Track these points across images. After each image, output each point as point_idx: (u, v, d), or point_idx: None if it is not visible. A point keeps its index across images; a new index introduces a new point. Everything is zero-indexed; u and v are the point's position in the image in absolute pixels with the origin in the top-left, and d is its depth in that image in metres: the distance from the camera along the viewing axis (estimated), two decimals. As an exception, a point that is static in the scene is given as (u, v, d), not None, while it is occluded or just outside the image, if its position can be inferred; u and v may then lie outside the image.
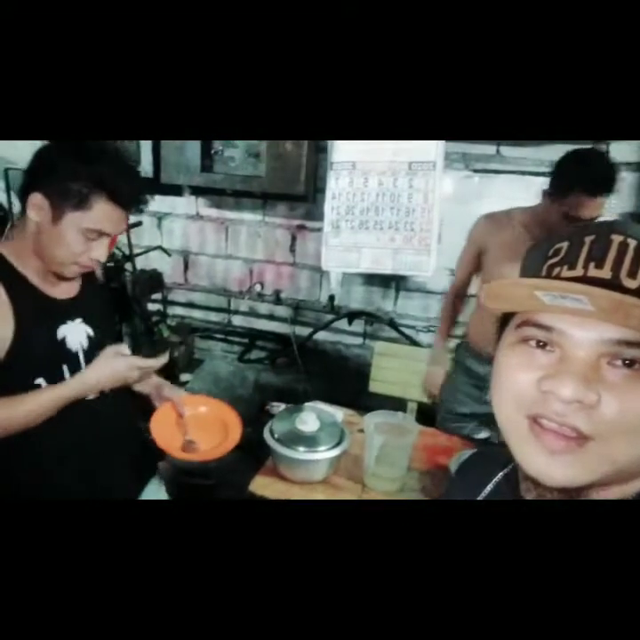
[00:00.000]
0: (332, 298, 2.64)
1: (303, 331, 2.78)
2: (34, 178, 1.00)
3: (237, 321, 2.92)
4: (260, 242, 2.80)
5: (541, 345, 0.46)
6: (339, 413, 1.60)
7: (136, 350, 1.09)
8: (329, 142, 2.43)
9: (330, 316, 2.71)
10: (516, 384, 0.46)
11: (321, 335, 2.76)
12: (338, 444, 1.34)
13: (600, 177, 1.33)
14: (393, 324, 2.62)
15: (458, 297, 1.82)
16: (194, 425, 1.28)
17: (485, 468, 0.60)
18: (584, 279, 0.43)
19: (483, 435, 1.75)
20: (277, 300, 2.79)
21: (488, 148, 2.39)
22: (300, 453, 1.31)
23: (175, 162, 2.53)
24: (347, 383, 2.56)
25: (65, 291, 1.12)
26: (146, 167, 2.61)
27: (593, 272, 0.44)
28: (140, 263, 2.64)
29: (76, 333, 1.11)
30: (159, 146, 2.55)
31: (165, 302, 2.85)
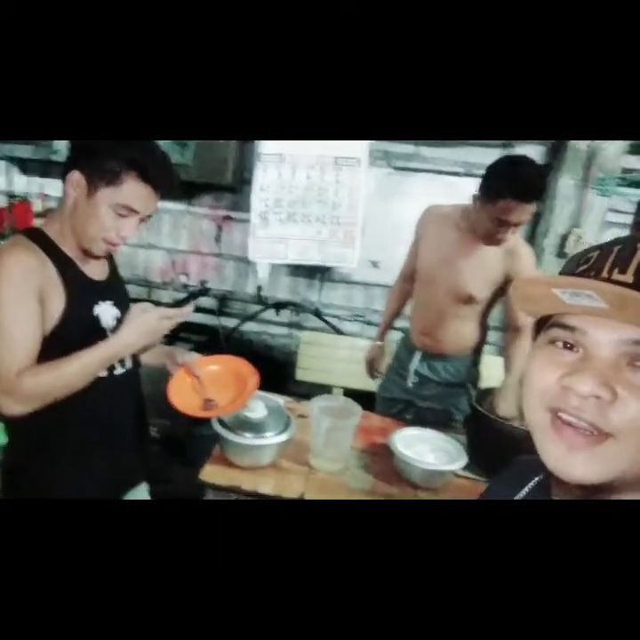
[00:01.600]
0: (259, 288, 2.67)
1: (230, 322, 2.79)
2: (74, 157, 1.07)
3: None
4: (184, 232, 2.76)
5: (568, 346, 0.48)
6: (280, 400, 1.66)
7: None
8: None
9: (257, 307, 2.74)
10: (541, 381, 0.48)
11: (247, 326, 2.78)
12: (285, 429, 1.39)
13: (529, 182, 1.39)
14: (318, 314, 2.71)
15: (402, 284, 1.88)
16: (210, 384, 1.30)
17: (521, 473, 0.61)
18: (608, 282, 0.45)
19: (409, 416, 1.88)
20: (204, 289, 2.77)
21: (408, 148, 2.53)
22: (250, 439, 1.34)
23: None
24: (274, 372, 2.61)
25: (98, 272, 1.18)
26: (63, 152, 2.48)
27: (616, 277, 0.46)
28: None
29: (108, 314, 1.17)
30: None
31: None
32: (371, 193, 2.51)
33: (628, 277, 0.45)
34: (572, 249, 2.34)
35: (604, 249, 0.49)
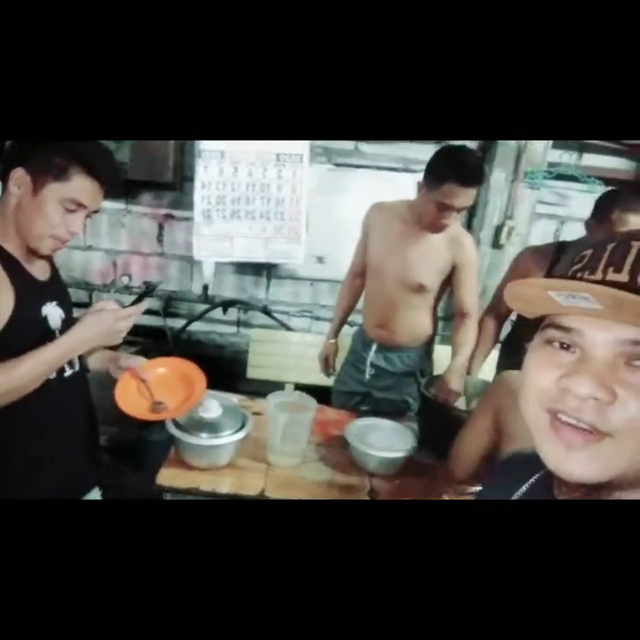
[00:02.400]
0: (205, 287, 2.64)
1: (176, 322, 2.75)
2: (15, 154, 1.05)
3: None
4: (124, 232, 2.69)
5: (564, 346, 0.48)
6: (233, 398, 1.66)
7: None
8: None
9: (203, 307, 2.71)
10: (539, 381, 0.48)
11: (195, 326, 2.75)
12: (241, 427, 1.40)
13: (470, 168, 1.47)
14: (266, 311, 2.71)
15: (352, 280, 1.91)
16: (157, 387, 1.28)
17: (521, 470, 0.62)
18: (602, 282, 0.45)
19: (365, 407, 1.93)
20: (151, 288, 2.71)
21: (347, 144, 2.57)
22: (206, 440, 1.34)
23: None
24: (225, 371, 2.59)
25: (42, 272, 1.14)
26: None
27: (611, 276, 0.45)
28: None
29: (55, 314, 1.14)
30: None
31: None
32: (313, 189, 2.53)
33: (623, 277, 0.45)
34: (505, 240, 2.46)
35: (598, 247, 0.49)
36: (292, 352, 2.50)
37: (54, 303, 1.16)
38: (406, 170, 2.53)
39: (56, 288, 1.21)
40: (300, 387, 2.40)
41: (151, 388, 1.29)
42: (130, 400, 1.25)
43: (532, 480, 0.60)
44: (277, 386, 2.44)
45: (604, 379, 0.44)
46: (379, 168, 2.57)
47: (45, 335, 1.12)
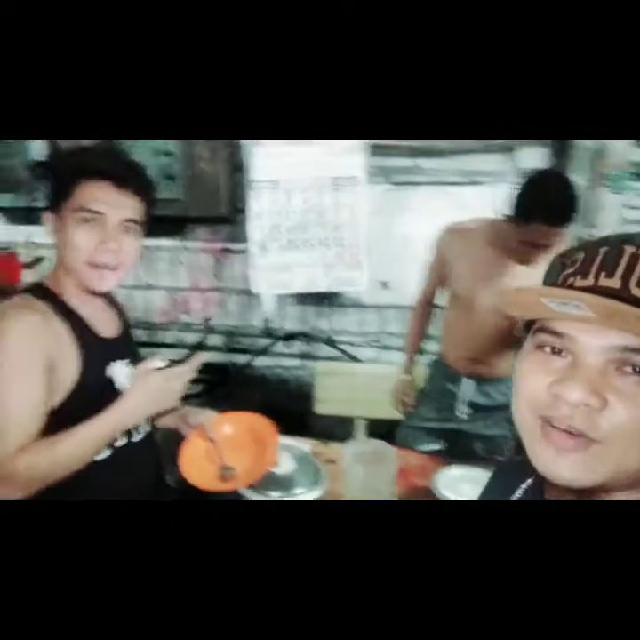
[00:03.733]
0: (266, 321, 2.56)
1: (239, 358, 2.67)
2: (47, 202, 1.02)
3: (166, 354, 2.74)
4: (182, 268, 2.65)
5: (556, 351, 0.48)
6: (305, 446, 1.53)
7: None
8: (247, 160, 2.36)
9: (266, 340, 2.63)
10: (531, 387, 0.49)
11: (258, 361, 2.67)
12: (316, 482, 1.27)
13: (560, 206, 1.29)
14: (331, 342, 2.59)
15: (424, 308, 1.78)
16: (226, 448, 1.18)
17: (514, 475, 0.61)
18: (594, 288, 0.45)
19: (435, 446, 1.76)
20: (208, 329, 2.66)
21: (405, 161, 2.44)
22: (277, 499, 1.22)
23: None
24: (291, 407, 2.49)
25: (109, 328, 1.09)
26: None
27: (603, 282, 0.46)
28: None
29: (122, 374, 1.07)
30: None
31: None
32: (372, 211, 2.41)
33: (615, 282, 0.45)
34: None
35: (590, 250, 0.49)
36: (360, 384, 2.36)
37: (123, 362, 1.08)
38: (472, 183, 2.36)
39: (125, 345, 1.14)
40: (371, 421, 2.27)
41: (220, 449, 1.18)
42: (197, 466, 1.15)
43: (524, 485, 0.60)
44: (347, 421, 2.31)
45: (595, 385, 0.44)
46: (440, 183, 2.41)
47: (111, 398, 1.02)
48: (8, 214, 2.59)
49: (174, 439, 1.22)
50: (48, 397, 0.94)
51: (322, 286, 2.40)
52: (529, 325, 0.52)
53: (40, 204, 2.37)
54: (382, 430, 1.96)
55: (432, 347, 1.88)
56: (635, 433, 0.44)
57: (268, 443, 1.20)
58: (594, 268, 0.47)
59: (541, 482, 0.54)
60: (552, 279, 0.52)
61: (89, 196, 0.97)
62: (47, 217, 1.01)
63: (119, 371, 1.07)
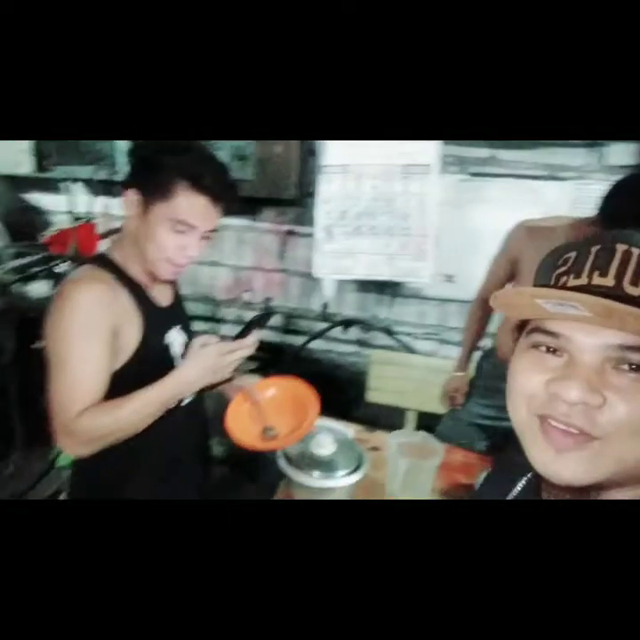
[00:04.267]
0: (325, 305, 2.56)
1: (296, 339, 2.69)
2: (130, 174, 1.03)
3: (225, 330, 2.81)
4: (247, 248, 2.70)
5: (551, 350, 0.48)
6: (349, 431, 1.52)
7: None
8: (319, 144, 2.35)
9: (323, 324, 2.63)
10: (527, 386, 0.49)
11: (314, 344, 2.68)
12: (357, 468, 1.26)
13: None
14: (388, 332, 2.56)
15: (485, 305, 1.70)
16: (269, 410, 1.22)
17: (510, 473, 0.61)
18: (588, 287, 0.46)
19: (481, 444, 1.70)
20: (268, 309, 2.69)
21: (483, 152, 2.35)
22: (317, 480, 1.22)
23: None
24: (342, 393, 2.49)
25: (165, 297, 1.13)
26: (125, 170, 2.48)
27: (597, 280, 0.46)
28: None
29: (177, 341, 1.12)
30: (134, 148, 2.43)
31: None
32: (443, 201, 2.34)
33: (609, 280, 0.45)
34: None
35: (582, 249, 0.49)
36: (415, 376, 2.32)
37: (177, 328, 1.13)
38: (553, 178, 2.24)
39: (179, 313, 1.18)
40: (421, 414, 2.23)
41: (263, 411, 1.22)
42: (240, 425, 1.19)
43: (521, 483, 0.60)
44: (397, 412, 2.28)
45: (592, 383, 0.45)
46: (519, 177, 2.30)
47: (168, 363, 1.07)
48: (88, 186, 2.73)
49: (222, 408, 1.25)
50: (112, 362, 0.99)
51: (384, 275, 2.37)
52: (522, 325, 0.52)
53: (119, 177, 2.48)
54: (433, 424, 1.92)
55: (488, 343, 1.82)
56: (633, 429, 0.44)
57: (310, 409, 1.21)
58: (587, 267, 0.47)
59: (538, 479, 0.54)
60: (544, 278, 0.52)
61: (189, 209, 0.98)
62: (127, 197, 1.01)
63: (174, 338, 1.12)
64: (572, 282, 0.47)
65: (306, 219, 2.53)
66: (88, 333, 0.95)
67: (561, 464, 0.46)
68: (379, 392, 2.37)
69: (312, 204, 2.41)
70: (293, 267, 2.66)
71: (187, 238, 1.01)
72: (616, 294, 0.44)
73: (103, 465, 1.03)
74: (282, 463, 1.26)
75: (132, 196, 1.00)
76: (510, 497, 0.60)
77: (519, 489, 0.60)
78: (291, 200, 2.48)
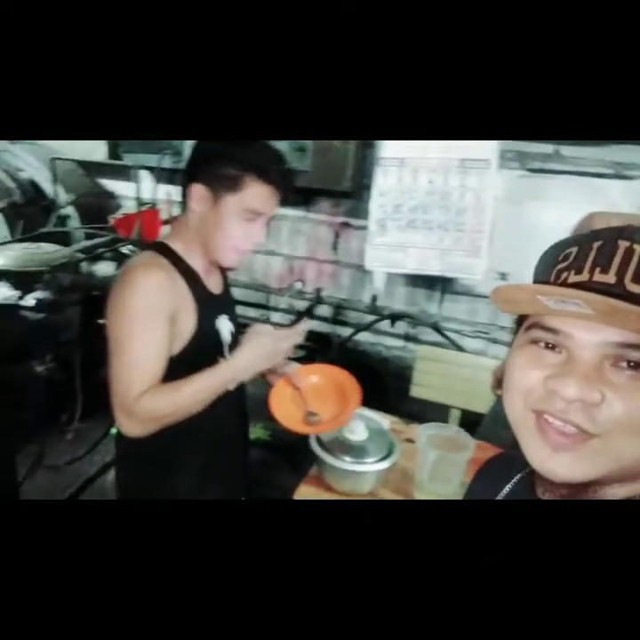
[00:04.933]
0: (374, 298, 2.57)
1: (344, 330, 2.72)
2: (193, 169, 1.07)
3: (276, 318, 2.88)
4: (301, 238, 2.75)
5: (550, 346, 0.48)
6: (385, 421, 1.53)
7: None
8: (377, 137, 2.36)
9: (371, 317, 2.64)
10: (525, 381, 0.48)
11: (361, 336, 2.69)
12: (388, 455, 1.27)
13: None
14: (437, 328, 2.54)
15: None
16: (311, 396, 1.26)
17: (504, 470, 0.62)
18: (589, 284, 0.45)
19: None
20: (318, 299, 2.73)
21: (546, 147, 2.28)
22: (348, 464, 1.25)
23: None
24: (387, 386, 2.49)
25: (216, 285, 1.19)
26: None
27: (598, 277, 0.45)
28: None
29: (225, 328, 1.17)
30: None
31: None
32: (501, 197, 2.29)
33: (611, 277, 0.45)
34: None
35: (584, 245, 0.48)
36: (461, 374, 2.29)
37: (226, 316, 1.17)
38: (618, 176, 2.14)
39: (227, 301, 1.23)
40: (465, 413, 2.20)
41: (305, 397, 1.25)
42: (284, 409, 1.23)
43: (515, 480, 0.60)
44: (442, 408, 2.26)
45: (590, 381, 0.44)
46: (582, 174, 2.22)
47: (218, 349, 1.12)
48: (154, 173, 2.86)
49: (261, 393, 1.30)
50: (170, 347, 1.04)
51: (435, 270, 2.35)
52: (521, 320, 0.52)
53: (183, 166, 2.58)
54: (477, 423, 1.90)
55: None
56: (631, 427, 0.44)
57: (351, 397, 1.23)
58: (588, 264, 0.46)
59: (533, 475, 0.54)
60: (544, 274, 0.51)
61: (259, 198, 1.04)
62: (195, 191, 1.04)
63: (223, 325, 1.16)
64: (573, 278, 0.47)
65: (360, 211, 2.54)
66: (148, 317, 0.99)
67: (557, 462, 0.46)
68: (423, 388, 2.35)
69: (367, 196, 2.42)
70: (345, 258, 2.69)
71: (254, 225, 1.06)
72: (617, 292, 0.43)
73: (151, 445, 1.05)
74: (314, 446, 1.30)
75: (200, 190, 1.03)
76: (505, 491, 0.61)
77: (514, 483, 0.60)
78: (346, 192, 2.50)
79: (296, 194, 2.61)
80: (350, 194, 2.52)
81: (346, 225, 2.65)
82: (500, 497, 0.61)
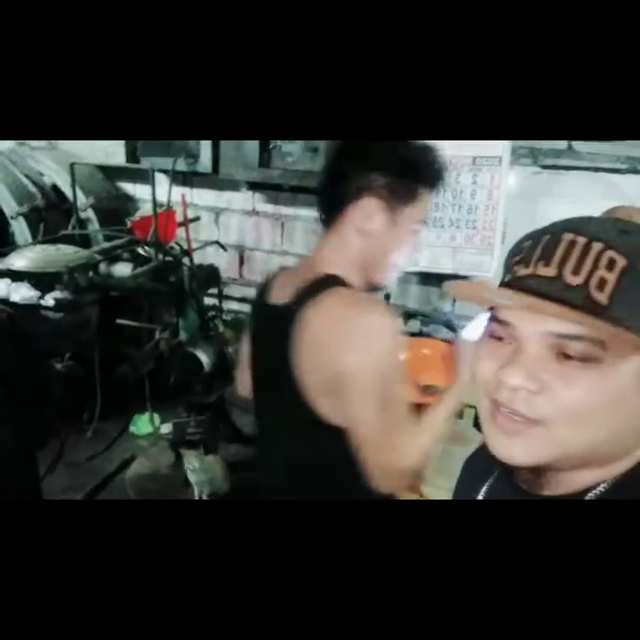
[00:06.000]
0: (387, 296, 2.57)
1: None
2: (361, 183, 0.94)
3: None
4: (315, 238, 2.76)
5: (503, 339, 0.51)
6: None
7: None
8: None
9: (384, 316, 2.64)
10: (482, 372, 0.52)
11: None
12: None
13: None
14: (450, 326, 2.53)
15: None
16: (425, 366, 1.33)
17: (489, 460, 0.63)
18: (533, 277, 0.48)
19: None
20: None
21: (559, 143, 2.25)
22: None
23: (233, 157, 2.52)
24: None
25: None
26: (205, 162, 2.63)
27: (541, 271, 0.48)
28: (197, 258, 2.66)
29: None
30: (218, 141, 2.55)
31: (221, 297, 2.86)
32: (513, 194, 2.28)
33: (551, 271, 0.47)
34: None
35: (535, 238, 0.50)
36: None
37: None
38: (634, 171, 2.12)
39: None
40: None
41: (415, 368, 1.31)
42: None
43: (496, 473, 0.62)
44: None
45: (532, 370, 0.47)
46: (597, 169, 2.20)
47: None
48: (171, 176, 2.90)
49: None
50: None
51: (447, 268, 2.35)
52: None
53: (197, 168, 2.62)
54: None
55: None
56: (573, 416, 0.46)
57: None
58: (534, 257, 0.49)
59: (508, 468, 0.56)
60: (505, 267, 0.54)
61: (427, 207, 0.99)
62: (370, 206, 0.93)
63: None
64: (522, 271, 0.49)
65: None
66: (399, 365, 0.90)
67: (510, 448, 0.50)
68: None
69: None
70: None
71: (416, 237, 1.00)
72: (555, 285, 0.46)
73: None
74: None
75: (374, 206, 0.93)
76: (488, 482, 0.63)
77: (492, 480, 0.63)
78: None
79: (309, 194, 2.65)
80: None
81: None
82: (485, 486, 0.64)
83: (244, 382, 1.17)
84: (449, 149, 2.31)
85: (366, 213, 0.94)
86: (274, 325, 0.99)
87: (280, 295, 1.02)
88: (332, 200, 0.96)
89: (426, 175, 0.95)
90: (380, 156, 0.95)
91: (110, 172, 3.06)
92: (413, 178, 0.94)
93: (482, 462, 0.66)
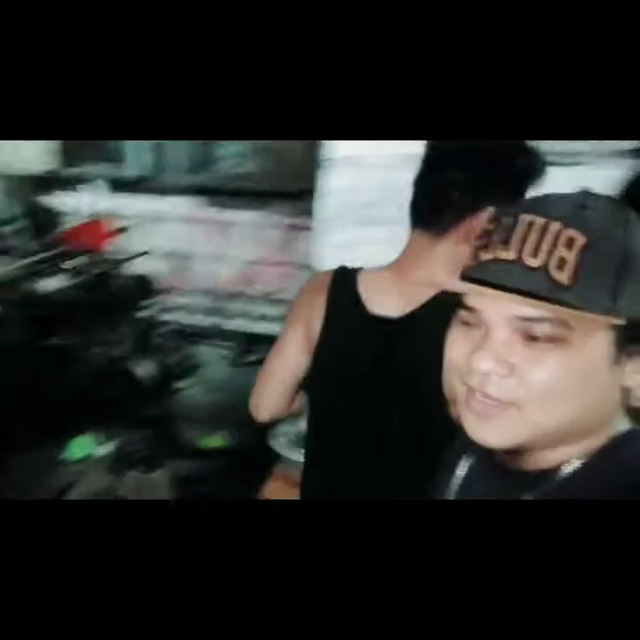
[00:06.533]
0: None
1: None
2: (484, 189, 0.92)
3: (234, 325, 2.82)
4: (255, 242, 2.72)
5: (472, 324, 0.52)
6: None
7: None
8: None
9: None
10: (454, 357, 0.53)
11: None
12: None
13: None
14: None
15: None
16: None
17: (470, 444, 0.64)
18: (494, 262, 0.48)
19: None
20: (272, 302, 2.71)
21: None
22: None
23: (172, 161, 2.45)
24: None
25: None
26: (138, 167, 2.54)
27: (501, 254, 0.48)
28: (131, 269, 2.55)
29: None
30: (158, 145, 2.49)
31: (159, 308, 2.76)
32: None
33: (511, 254, 0.47)
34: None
35: (495, 222, 0.50)
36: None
37: None
38: (567, 163, 2.20)
39: None
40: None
41: None
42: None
43: (479, 452, 0.62)
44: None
45: (501, 354, 0.48)
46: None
47: None
48: (102, 185, 2.77)
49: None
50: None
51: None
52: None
53: (130, 175, 2.52)
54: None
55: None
56: (544, 396, 0.47)
57: None
58: (493, 241, 0.49)
59: (486, 450, 0.57)
60: (471, 251, 0.54)
61: None
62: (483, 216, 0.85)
63: None
64: (483, 256, 0.50)
65: (312, 210, 2.52)
66: None
67: (485, 430, 0.51)
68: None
69: (317, 196, 2.41)
70: (299, 259, 2.66)
71: None
72: (516, 268, 0.46)
73: None
74: (277, 444, 1.27)
75: (485, 213, 0.87)
76: (470, 464, 0.64)
77: (478, 456, 0.63)
78: (295, 193, 2.49)
79: (249, 197, 2.60)
80: (299, 194, 2.50)
81: (296, 226, 2.64)
82: (465, 469, 0.64)
83: (273, 404, 1.10)
84: (387, 147, 2.35)
85: (478, 223, 0.91)
86: (391, 337, 0.97)
87: (387, 305, 1.00)
88: (450, 208, 0.92)
89: (530, 177, 0.92)
90: (508, 166, 0.91)
91: (40, 182, 2.90)
92: (528, 186, 0.91)
93: (465, 445, 0.66)
